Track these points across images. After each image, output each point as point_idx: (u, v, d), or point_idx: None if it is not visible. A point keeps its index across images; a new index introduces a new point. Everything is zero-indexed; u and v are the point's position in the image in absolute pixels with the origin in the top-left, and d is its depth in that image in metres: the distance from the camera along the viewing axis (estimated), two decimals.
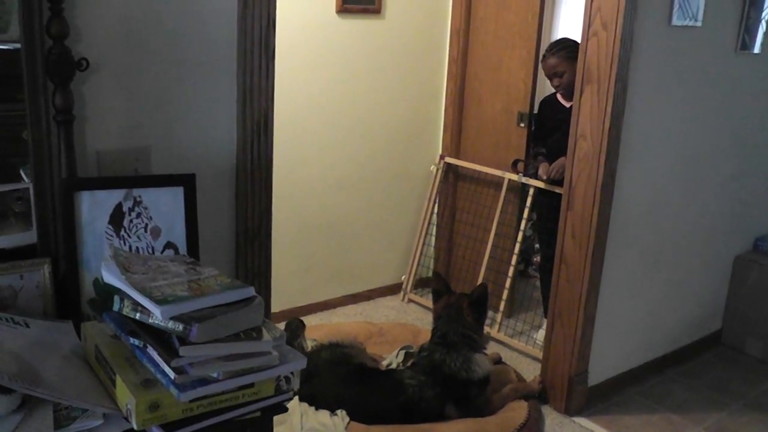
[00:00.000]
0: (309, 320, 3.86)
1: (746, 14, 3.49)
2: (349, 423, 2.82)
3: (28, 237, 1.68)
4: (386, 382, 3.01)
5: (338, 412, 2.85)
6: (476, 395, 3.01)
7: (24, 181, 1.68)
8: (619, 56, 2.89)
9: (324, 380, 2.93)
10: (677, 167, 3.45)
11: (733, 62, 3.55)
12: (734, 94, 3.62)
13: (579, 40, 3.65)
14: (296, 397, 2.86)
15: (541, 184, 3.85)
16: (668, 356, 3.82)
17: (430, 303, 3.66)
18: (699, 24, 3.22)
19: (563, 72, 3.64)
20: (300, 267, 4.05)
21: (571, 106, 3.68)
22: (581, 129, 3.05)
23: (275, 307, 3.63)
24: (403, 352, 3.41)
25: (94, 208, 1.68)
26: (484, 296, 3.13)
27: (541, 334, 3.92)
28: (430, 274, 4.63)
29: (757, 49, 3.63)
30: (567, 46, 3.66)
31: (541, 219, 4.02)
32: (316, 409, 2.86)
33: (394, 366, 3.31)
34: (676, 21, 3.10)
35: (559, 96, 3.79)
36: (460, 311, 3.07)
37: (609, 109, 2.94)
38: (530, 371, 3.62)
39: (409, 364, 3.22)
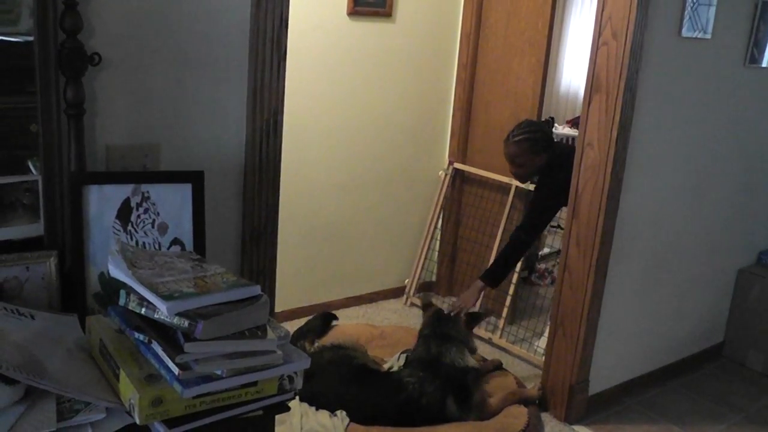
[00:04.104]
0: None
1: (756, 28, 3.49)
2: (348, 424, 2.82)
3: (36, 229, 1.69)
4: (386, 382, 3.03)
5: (338, 413, 2.85)
6: (473, 385, 3.05)
7: (32, 173, 1.68)
8: (628, 66, 2.89)
9: (324, 380, 2.94)
10: (683, 179, 3.45)
11: (742, 75, 3.55)
12: (742, 107, 3.62)
13: (545, 129, 3.61)
14: (296, 397, 2.86)
15: None
16: (669, 367, 3.81)
17: None
18: (708, 36, 3.22)
19: (522, 164, 3.50)
20: (304, 267, 4.06)
21: (536, 180, 3.66)
22: (588, 138, 3.06)
23: (278, 307, 3.64)
24: (404, 356, 3.41)
25: (102, 202, 1.69)
26: (482, 318, 3.45)
27: (542, 341, 3.92)
28: (434, 278, 4.64)
29: (765, 63, 3.63)
30: (532, 139, 3.47)
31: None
32: (317, 409, 2.87)
33: (395, 369, 3.31)
34: (685, 33, 3.10)
35: None
36: (456, 318, 3.19)
37: (617, 119, 2.95)
38: (531, 378, 3.61)
39: (404, 365, 3.24)
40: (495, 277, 3.57)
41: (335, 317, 3.83)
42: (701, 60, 3.27)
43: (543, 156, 3.51)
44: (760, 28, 3.51)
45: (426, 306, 3.43)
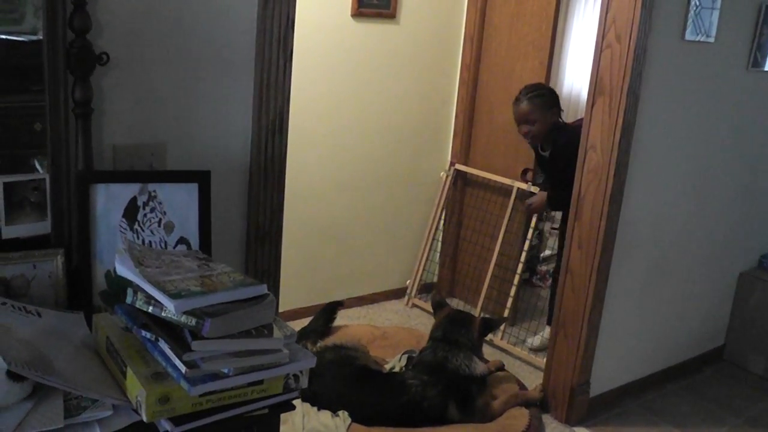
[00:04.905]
0: None
1: (758, 32, 3.50)
2: (350, 424, 2.83)
3: (43, 227, 1.69)
4: (389, 382, 3.03)
5: (340, 413, 2.86)
6: (477, 393, 3.04)
7: (38, 171, 1.69)
8: (632, 69, 2.90)
9: (327, 380, 2.94)
10: (686, 182, 3.45)
11: (745, 79, 3.56)
12: (745, 110, 3.63)
13: (552, 89, 3.68)
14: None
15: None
16: (670, 370, 3.82)
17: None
18: (711, 40, 3.23)
19: (535, 120, 3.56)
20: (306, 268, 4.07)
21: (550, 155, 3.68)
22: (591, 140, 3.06)
23: (280, 307, 3.64)
24: (405, 357, 3.42)
25: (108, 201, 1.69)
26: (498, 323, 3.33)
27: (536, 340, 3.96)
28: (435, 279, 4.65)
29: None
30: (543, 94, 3.58)
31: (560, 229, 4.02)
32: (318, 409, 2.87)
33: (396, 370, 3.32)
34: (688, 36, 3.11)
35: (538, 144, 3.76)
36: (470, 323, 3.14)
37: (620, 122, 2.95)
38: (532, 380, 3.62)
39: (410, 367, 3.24)
40: (558, 200, 3.67)
41: (340, 303, 3.81)
42: (704, 63, 3.28)
43: (554, 111, 3.60)
44: (762, 32, 3.52)
45: (437, 305, 3.37)
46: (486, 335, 3.32)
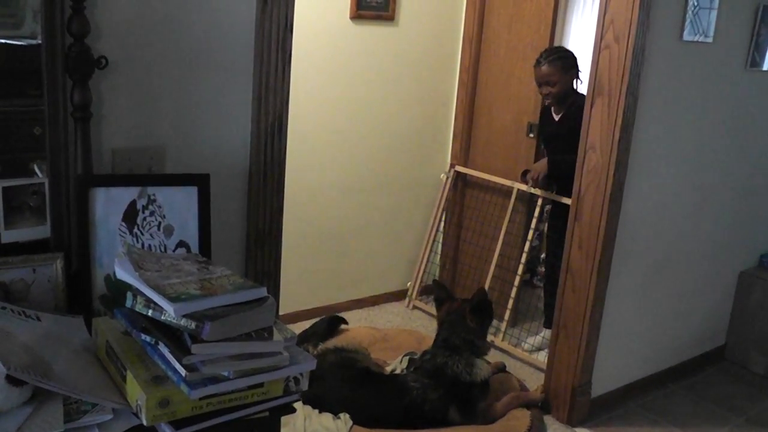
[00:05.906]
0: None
1: (757, 31, 3.50)
2: (352, 427, 2.82)
3: (42, 231, 1.69)
4: (390, 385, 3.03)
5: (341, 415, 2.86)
6: (478, 398, 3.02)
7: (37, 175, 1.69)
8: (631, 69, 2.90)
9: (328, 383, 2.94)
10: (685, 181, 3.45)
11: (743, 79, 3.56)
12: (743, 110, 3.63)
13: (573, 51, 3.70)
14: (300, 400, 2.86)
15: (550, 194, 3.88)
16: (671, 370, 3.82)
17: (434, 310, 3.66)
18: (710, 40, 3.23)
19: (555, 82, 3.66)
20: (306, 270, 4.06)
21: (559, 119, 3.72)
22: (591, 141, 3.06)
23: (280, 309, 3.64)
24: (407, 359, 3.41)
25: (108, 204, 1.69)
26: (485, 301, 3.13)
27: (534, 340, 3.96)
28: None
29: (766, 67, 3.64)
30: (563, 57, 3.68)
31: (551, 229, 4.03)
32: (320, 411, 2.87)
33: (398, 372, 3.32)
34: (687, 36, 3.11)
35: (552, 108, 3.81)
36: (462, 317, 3.08)
37: (619, 122, 2.95)
38: (534, 381, 3.62)
39: (412, 369, 3.23)
40: (561, 163, 3.66)
41: (344, 320, 3.82)
42: (703, 63, 3.28)
43: (573, 73, 3.70)
44: (760, 31, 3.52)
45: (437, 302, 3.29)
46: (485, 317, 3.13)
